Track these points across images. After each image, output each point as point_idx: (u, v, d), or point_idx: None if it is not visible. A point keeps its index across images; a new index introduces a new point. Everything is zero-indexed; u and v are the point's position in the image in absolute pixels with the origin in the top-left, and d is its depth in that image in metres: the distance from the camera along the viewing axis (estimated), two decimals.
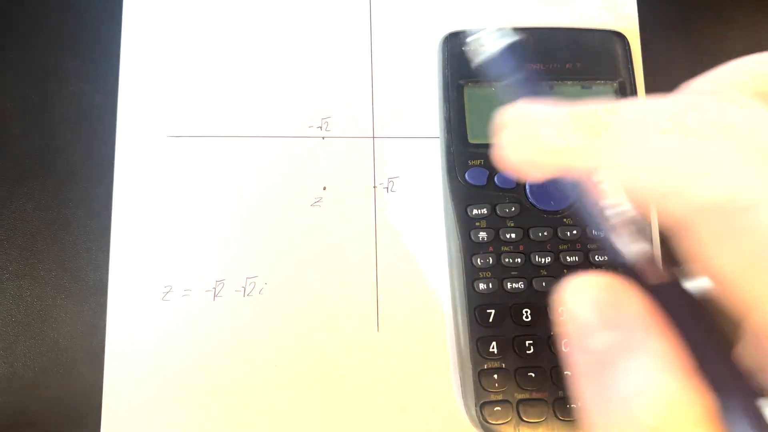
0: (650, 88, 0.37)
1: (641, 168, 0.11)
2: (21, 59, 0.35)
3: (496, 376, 0.30)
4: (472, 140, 0.33)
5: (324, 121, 0.35)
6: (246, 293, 0.33)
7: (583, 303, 0.12)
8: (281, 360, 0.32)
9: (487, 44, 0.17)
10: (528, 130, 0.13)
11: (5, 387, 0.31)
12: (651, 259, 0.12)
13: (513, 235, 0.31)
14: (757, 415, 0.11)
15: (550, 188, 0.32)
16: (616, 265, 0.13)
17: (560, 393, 0.30)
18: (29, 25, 0.35)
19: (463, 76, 0.33)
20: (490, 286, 0.31)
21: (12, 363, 0.32)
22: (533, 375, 0.30)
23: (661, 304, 0.12)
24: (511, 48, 0.16)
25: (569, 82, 0.34)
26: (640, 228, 0.12)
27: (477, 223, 0.32)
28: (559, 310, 0.13)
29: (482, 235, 0.31)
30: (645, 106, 0.12)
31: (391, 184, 0.34)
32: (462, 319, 0.31)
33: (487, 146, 0.33)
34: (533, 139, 0.13)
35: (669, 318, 0.12)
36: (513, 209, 0.32)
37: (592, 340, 0.12)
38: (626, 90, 0.34)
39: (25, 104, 0.34)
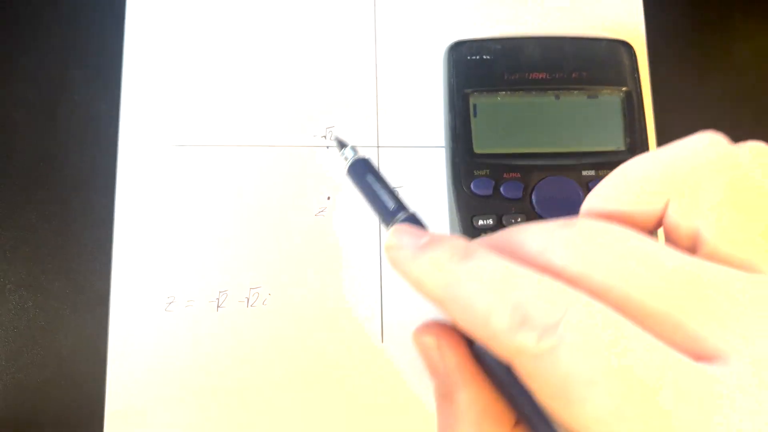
0: (657, 97, 0.36)
1: (464, 318, 0.13)
2: (25, 68, 0.35)
3: None
4: (477, 150, 0.32)
5: (328, 130, 0.35)
6: (249, 304, 0.32)
7: (418, 350, 0.15)
8: (285, 371, 0.32)
9: (348, 158, 0.19)
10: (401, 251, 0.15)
11: (9, 397, 0.31)
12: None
13: None
14: None
15: (557, 199, 0.32)
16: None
17: None
18: (33, 35, 0.35)
19: (469, 85, 0.33)
20: None
21: (15, 373, 0.32)
22: None
23: (483, 358, 0.14)
24: (366, 163, 0.18)
25: (575, 92, 0.33)
26: None
27: (483, 234, 0.31)
28: None
29: None
30: (480, 266, 0.13)
31: None
32: None
33: (493, 156, 0.32)
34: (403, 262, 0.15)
35: (491, 367, 0.14)
36: (519, 220, 0.31)
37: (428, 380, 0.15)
38: (633, 99, 0.34)
39: (30, 113, 0.34)
